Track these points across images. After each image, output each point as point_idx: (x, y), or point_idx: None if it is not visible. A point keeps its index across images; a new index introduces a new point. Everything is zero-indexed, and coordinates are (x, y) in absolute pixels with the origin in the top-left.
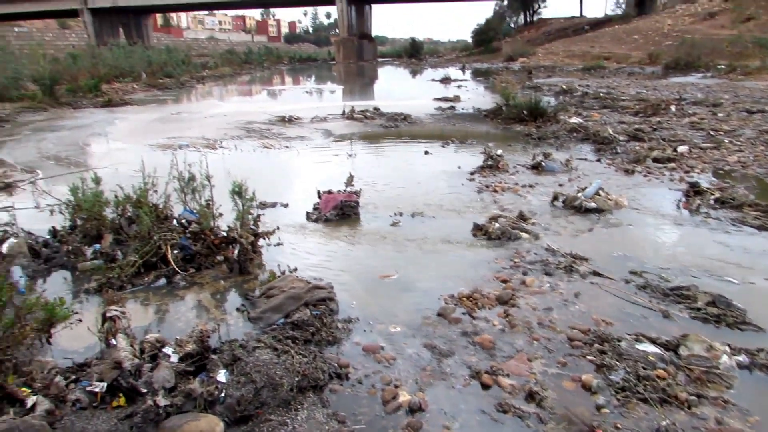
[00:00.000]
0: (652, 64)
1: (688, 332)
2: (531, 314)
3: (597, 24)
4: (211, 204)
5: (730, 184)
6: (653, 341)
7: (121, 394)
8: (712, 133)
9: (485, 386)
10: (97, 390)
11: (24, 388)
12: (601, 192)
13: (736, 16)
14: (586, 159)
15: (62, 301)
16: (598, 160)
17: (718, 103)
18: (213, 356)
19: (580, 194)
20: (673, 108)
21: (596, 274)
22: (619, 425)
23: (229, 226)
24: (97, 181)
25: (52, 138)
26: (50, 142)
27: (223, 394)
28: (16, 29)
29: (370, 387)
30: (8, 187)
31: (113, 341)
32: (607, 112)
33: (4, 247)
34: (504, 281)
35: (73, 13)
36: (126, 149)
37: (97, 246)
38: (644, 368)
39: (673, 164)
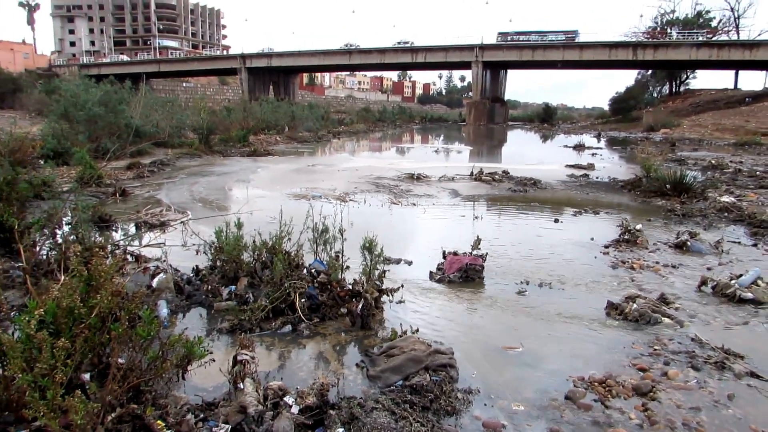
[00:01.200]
0: None
1: None
2: (674, 412)
3: (755, 97)
4: (340, 257)
5: None
6: None
7: None
8: None
9: None
10: None
11: (159, 421)
12: (759, 281)
13: None
14: (739, 242)
15: (200, 340)
16: (755, 245)
17: None
18: (331, 412)
19: (734, 282)
20: None
21: (755, 375)
22: None
23: (355, 280)
24: (239, 226)
25: (203, 182)
26: (201, 185)
27: None
28: (184, 84)
29: None
30: (163, 225)
31: (241, 385)
32: (765, 192)
33: (155, 282)
34: (642, 369)
35: (232, 72)
36: (265, 196)
37: (233, 287)
38: None
39: None
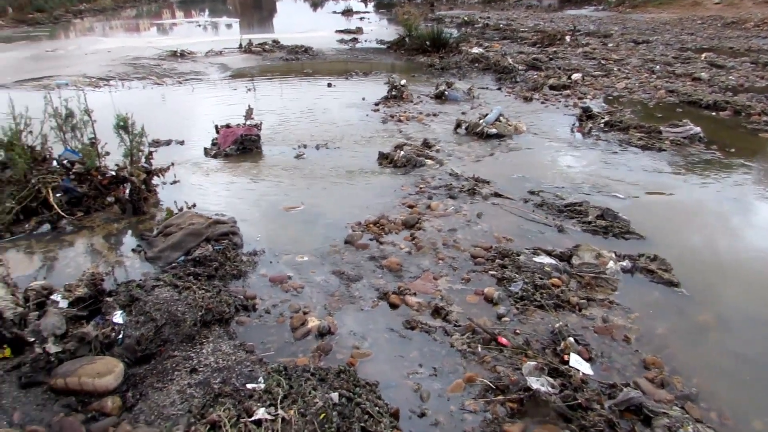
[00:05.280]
0: None
1: (580, 243)
2: (436, 236)
3: None
4: (95, 142)
5: (619, 109)
6: (549, 253)
7: (5, 346)
8: (602, 62)
9: (393, 306)
10: None
11: None
12: (501, 118)
13: None
14: (487, 88)
15: None
16: (499, 89)
17: (608, 34)
18: (108, 299)
19: (481, 121)
20: (568, 39)
21: (497, 195)
22: (518, 331)
23: (117, 165)
24: None
25: None
26: None
27: (120, 336)
28: None
29: (278, 316)
30: None
31: None
32: (507, 43)
33: None
34: (410, 206)
35: None
36: None
37: None
38: (541, 278)
39: (567, 91)
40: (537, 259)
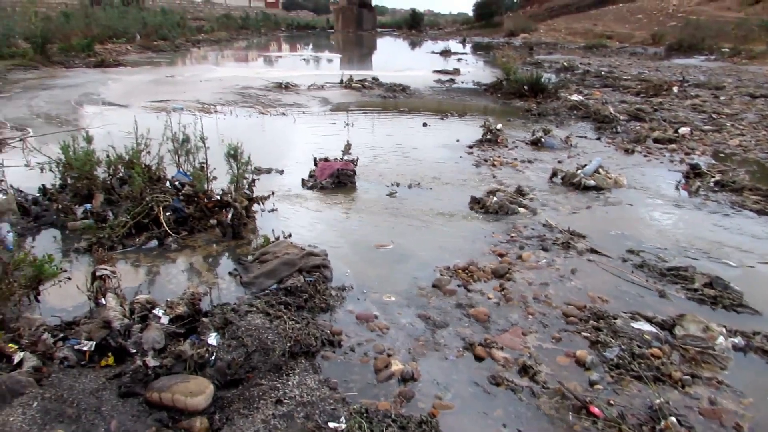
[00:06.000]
0: (655, 45)
1: (685, 312)
2: (527, 289)
3: (601, 1)
4: (205, 167)
5: (731, 168)
6: (649, 320)
7: (109, 354)
8: (713, 116)
9: (479, 358)
10: (85, 349)
11: (11, 344)
12: (600, 170)
13: None
14: (585, 137)
15: (51, 258)
16: (598, 139)
17: (720, 87)
18: (204, 319)
19: (579, 171)
20: (675, 89)
21: (593, 251)
22: (612, 401)
23: (223, 190)
24: (88, 140)
25: (44, 96)
26: (42, 100)
27: (213, 357)
28: None
29: (362, 355)
30: None
31: (102, 301)
32: (608, 91)
33: None
34: (500, 255)
35: None
36: (119, 110)
37: (88, 206)
38: (639, 346)
39: (673, 145)
40: (635, 324)
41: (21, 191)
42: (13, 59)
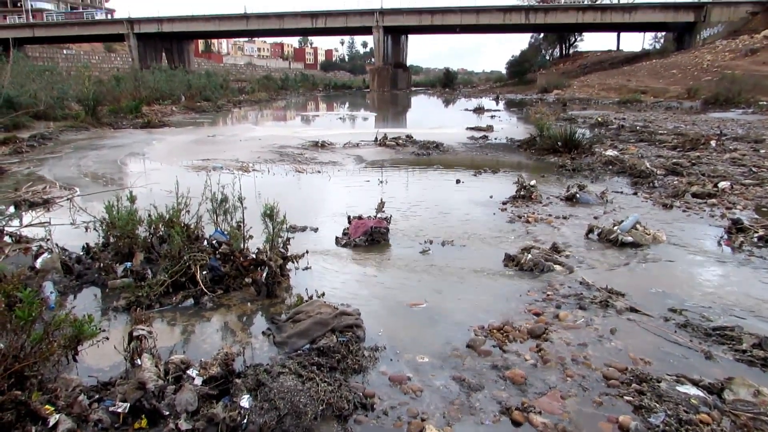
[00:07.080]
0: (690, 99)
1: (733, 375)
2: (565, 350)
3: (634, 58)
4: (242, 226)
5: None
6: (695, 383)
7: (143, 416)
8: (754, 169)
9: (516, 423)
10: (119, 411)
11: (48, 406)
12: (638, 226)
13: None
14: (622, 192)
15: (90, 318)
16: (635, 194)
17: (760, 140)
18: (237, 380)
19: (616, 228)
20: (713, 143)
21: (633, 310)
22: None
23: (258, 249)
24: (131, 199)
25: (92, 156)
26: (90, 160)
27: (245, 420)
28: (65, 51)
29: (395, 419)
30: (46, 203)
31: (138, 361)
32: (644, 145)
33: (38, 262)
34: (536, 314)
35: (119, 38)
36: (162, 169)
37: (128, 264)
38: (686, 411)
39: (713, 200)
40: (681, 388)
41: (65, 249)
42: (65, 120)
